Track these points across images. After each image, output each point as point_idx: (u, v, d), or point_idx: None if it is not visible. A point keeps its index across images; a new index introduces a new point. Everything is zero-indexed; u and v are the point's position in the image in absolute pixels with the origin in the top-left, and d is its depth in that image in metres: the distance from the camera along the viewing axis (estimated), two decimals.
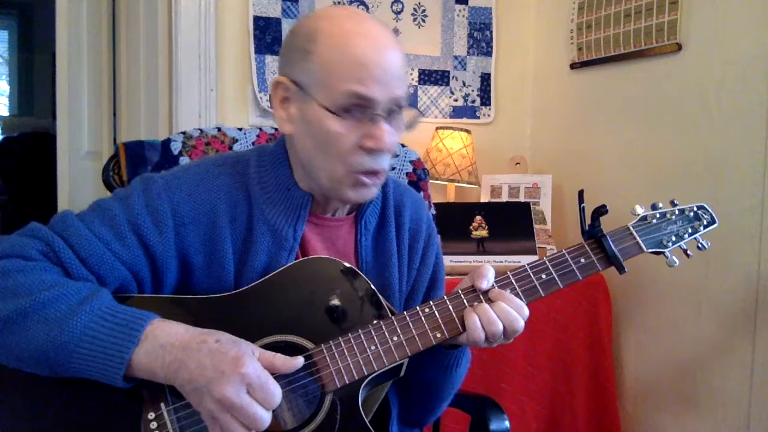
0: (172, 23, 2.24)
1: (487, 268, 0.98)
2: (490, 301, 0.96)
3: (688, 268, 1.90)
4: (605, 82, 2.28)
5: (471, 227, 2.15)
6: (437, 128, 2.44)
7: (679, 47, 1.95)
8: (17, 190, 4.86)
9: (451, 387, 1.12)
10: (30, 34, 6.15)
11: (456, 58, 2.57)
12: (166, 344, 0.85)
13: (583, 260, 1.01)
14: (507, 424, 1.19)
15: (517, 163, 2.51)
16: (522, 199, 2.38)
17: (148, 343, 0.85)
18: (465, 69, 2.58)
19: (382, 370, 0.94)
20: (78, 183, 2.86)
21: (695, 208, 1.09)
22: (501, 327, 0.94)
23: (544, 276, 0.99)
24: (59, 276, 0.90)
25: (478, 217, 2.16)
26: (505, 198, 2.41)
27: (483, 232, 2.14)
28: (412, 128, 1.02)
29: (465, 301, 0.97)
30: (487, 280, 0.97)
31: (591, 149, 2.34)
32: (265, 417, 0.83)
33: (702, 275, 1.88)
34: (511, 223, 2.15)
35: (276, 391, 0.84)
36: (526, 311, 0.96)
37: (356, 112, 0.93)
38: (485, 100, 2.61)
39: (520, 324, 0.95)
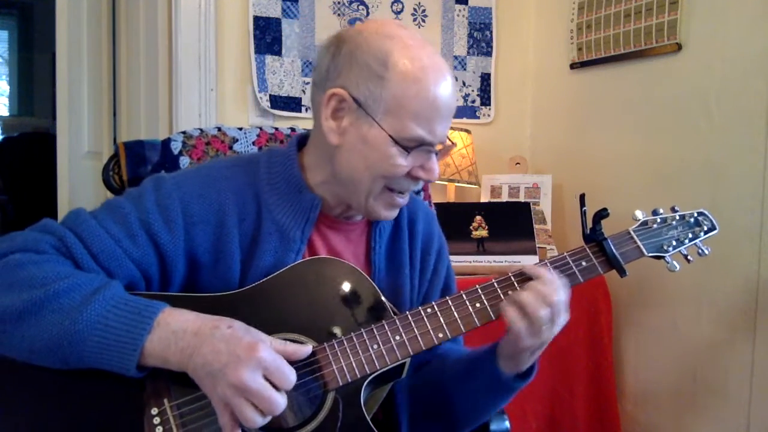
0: (172, 23, 2.23)
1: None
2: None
3: (689, 269, 1.88)
4: (605, 82, 2.28)
5: (471, 227, 2.15)
6: None
7: (679, 47, 1.95)
8: (17, 190, 4.86)
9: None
10: (30, 34, 6.16)
11: (456, 58, 2.57)
12: (179, 330, 0.86)
13: (584, 263, 1.02)
14: (507, 424, 1.19)
15: (517, 163, 2.51)
16: (522, 199, 2.38)
17: (161, 330, 0.86)
18: (465, 69, 2.58)
19: (385, 369, 0.94)
20: (78, 183, 2.85)
21: (695, 214, 1.10)
22: (538, 306, 0.94)
23: None
24: (71, 268, 0.91)
25: (478, 217, 2.16)
26: (505, 198, 2.41)
27: (483, 232, 2.14)
28: (444, 158, 1.07)
29: (467, 301, 0.98)
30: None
31: (591, 149, 2.34)
32: (281, 401, 0.83)
33: (702, 276, 1.88)
34: (511, 223, 2.15)
35: (291, 375, 0.85)
36: (564, 287, 0.96)
37: (419, 147, 0.97)
38: (485, 100, 2.61)
39: (556, 299, 0.94)
